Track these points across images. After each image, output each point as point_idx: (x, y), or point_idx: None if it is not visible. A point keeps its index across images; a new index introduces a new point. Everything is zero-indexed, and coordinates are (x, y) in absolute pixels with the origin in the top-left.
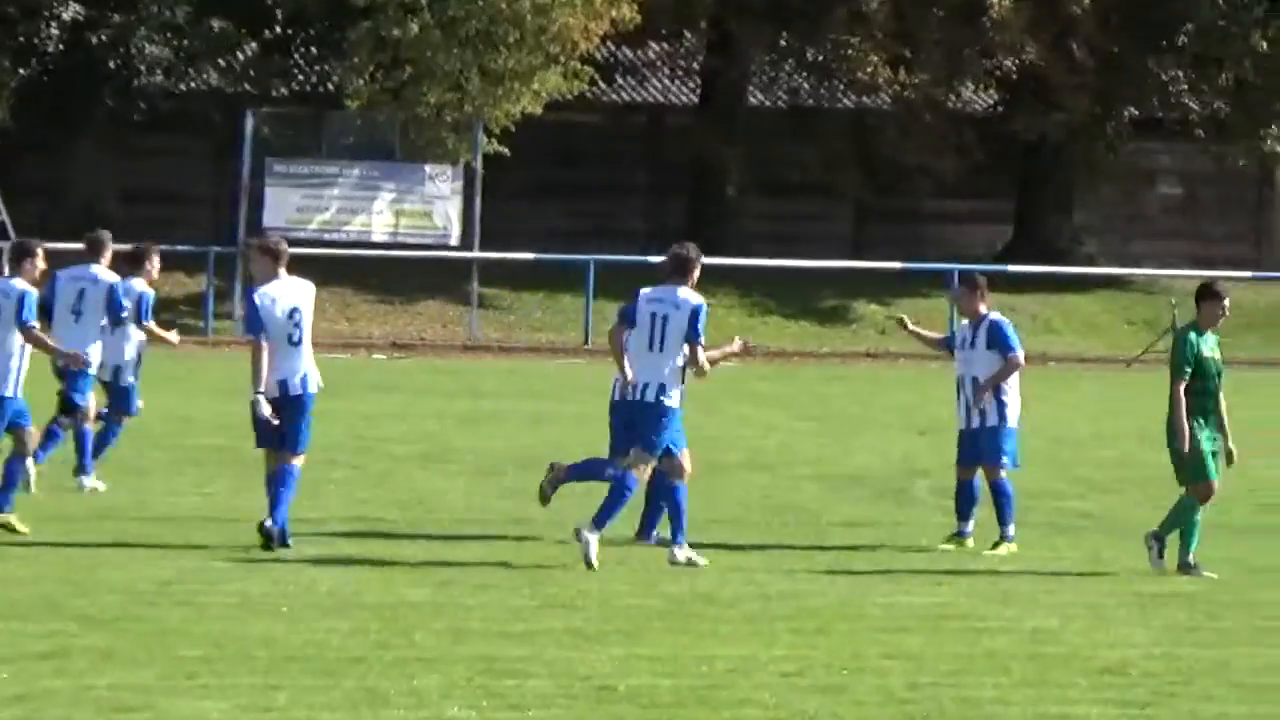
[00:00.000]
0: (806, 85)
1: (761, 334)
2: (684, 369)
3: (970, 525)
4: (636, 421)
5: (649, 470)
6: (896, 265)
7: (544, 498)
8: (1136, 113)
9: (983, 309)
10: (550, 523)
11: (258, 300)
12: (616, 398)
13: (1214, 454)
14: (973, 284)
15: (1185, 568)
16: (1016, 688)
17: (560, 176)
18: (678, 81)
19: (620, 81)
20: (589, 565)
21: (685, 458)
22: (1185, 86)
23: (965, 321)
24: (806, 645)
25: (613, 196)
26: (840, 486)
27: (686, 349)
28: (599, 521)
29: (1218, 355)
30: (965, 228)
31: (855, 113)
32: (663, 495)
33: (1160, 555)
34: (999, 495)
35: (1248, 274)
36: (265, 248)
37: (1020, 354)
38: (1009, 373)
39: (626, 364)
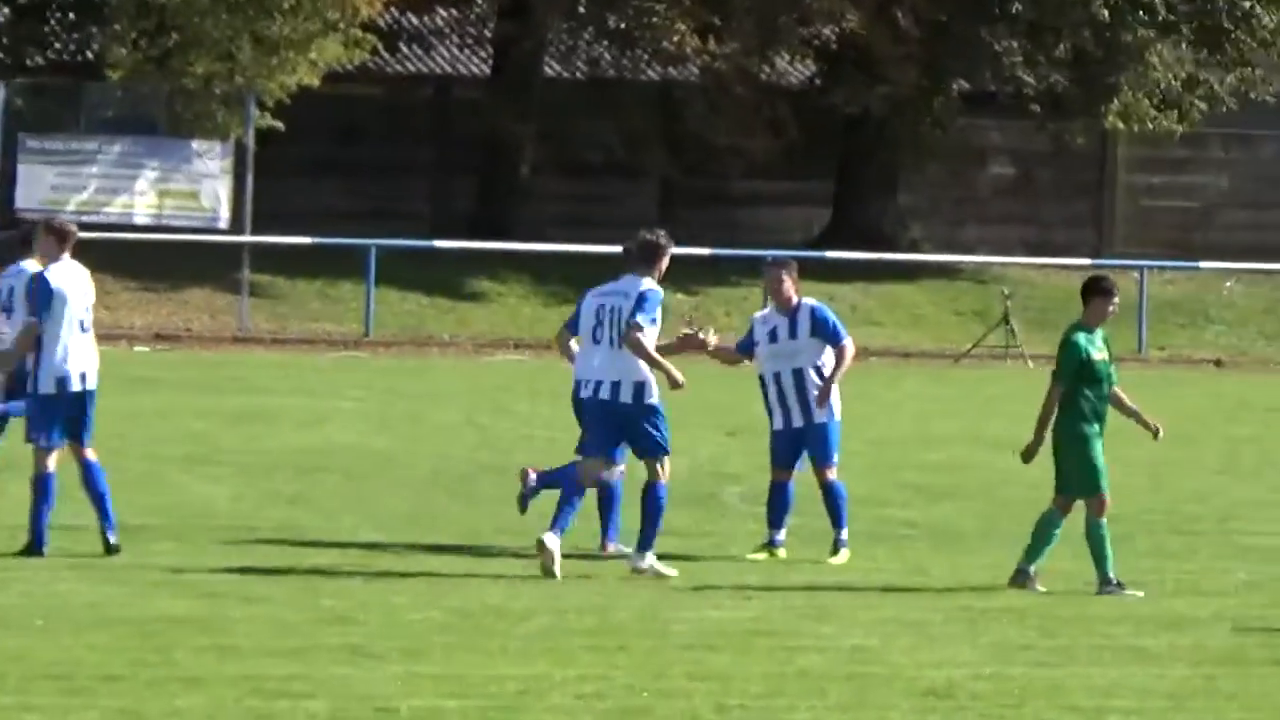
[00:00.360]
0: (607, 55)
1: (557, 326)
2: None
3: (783, 533)
4: (625, 429)
5: (667, 469)
6: (705, 251)
7: (521, 507)
8: (967, 86)
9: (795, 296)
10: (324, 529)
11: (54, 283)
12: (580, 395)
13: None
14: (788, 268)
15: (1021, 576)
16: (832, 711)
17: (339, 154)
18: (467, 51)
19: (405, 51)
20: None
21: (619, 468)
22: (1020, 58)
23: (771, 309)
24: (605, 664)
25: (396, 176)
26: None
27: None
28: (643, 545)
29: (1107, 356)
30: (780, 210)
31: (660, 85)
32: (574, 491)
33: (1121, 586)
34: (834, 497)
35: (1087, 261)
36: (53, 228)
37: (850, 340)
38: (847, 362)
39: (577, 362)
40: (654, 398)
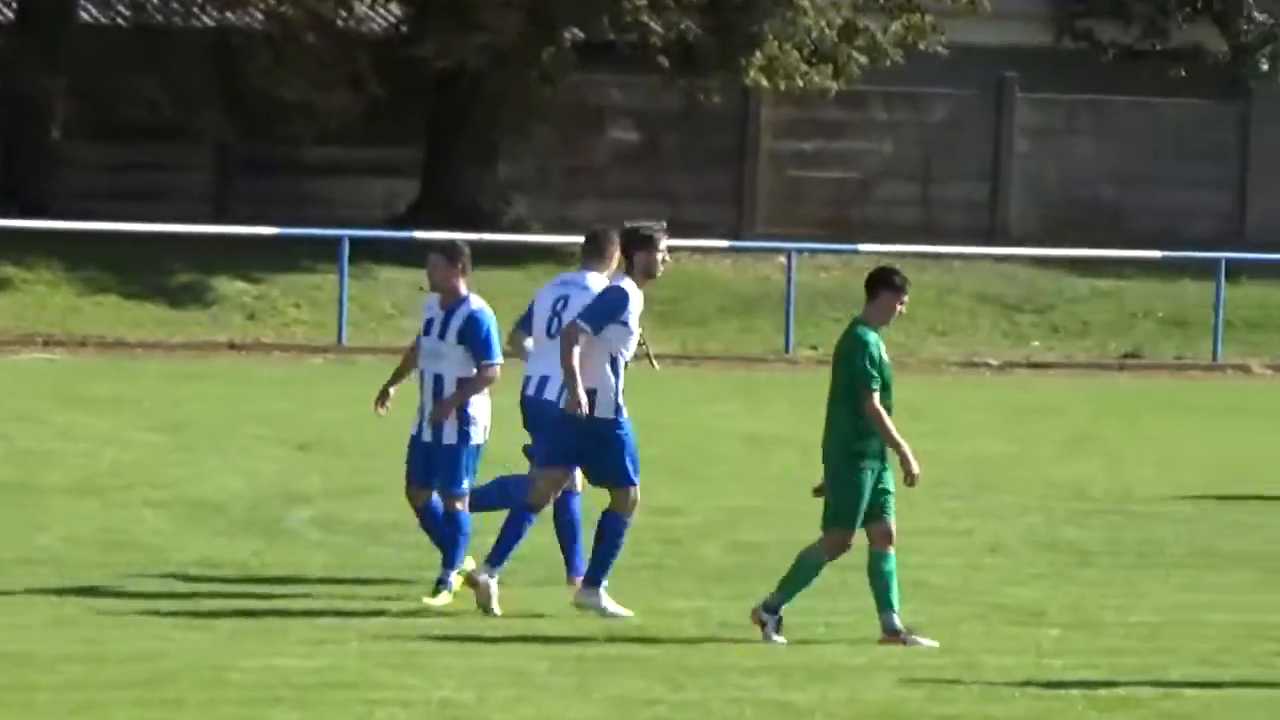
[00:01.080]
0: None
1: (96, 319)
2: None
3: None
4: (588, 445)
5: (629, 500)
6: (270, 230)
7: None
8: (581, 35)
9: (463, 288)
10: None
11: None
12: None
13: (887, 492)
14: (454, 253)
15: (893, 633)
16: None
17: None
18: None
19: None
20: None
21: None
22: (644, 2)
23: (434, 298)
24: None
25: None
26: (195, 515)
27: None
28: (594, 576)
29: (888, 359)
30: (359, 182)
31: (217, 33)
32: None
33: (777, 630)
34: (453, 528)
35: (724, 243)
36: None
37: (499, 364)
38: (482, 386)
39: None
40: (610, 411)
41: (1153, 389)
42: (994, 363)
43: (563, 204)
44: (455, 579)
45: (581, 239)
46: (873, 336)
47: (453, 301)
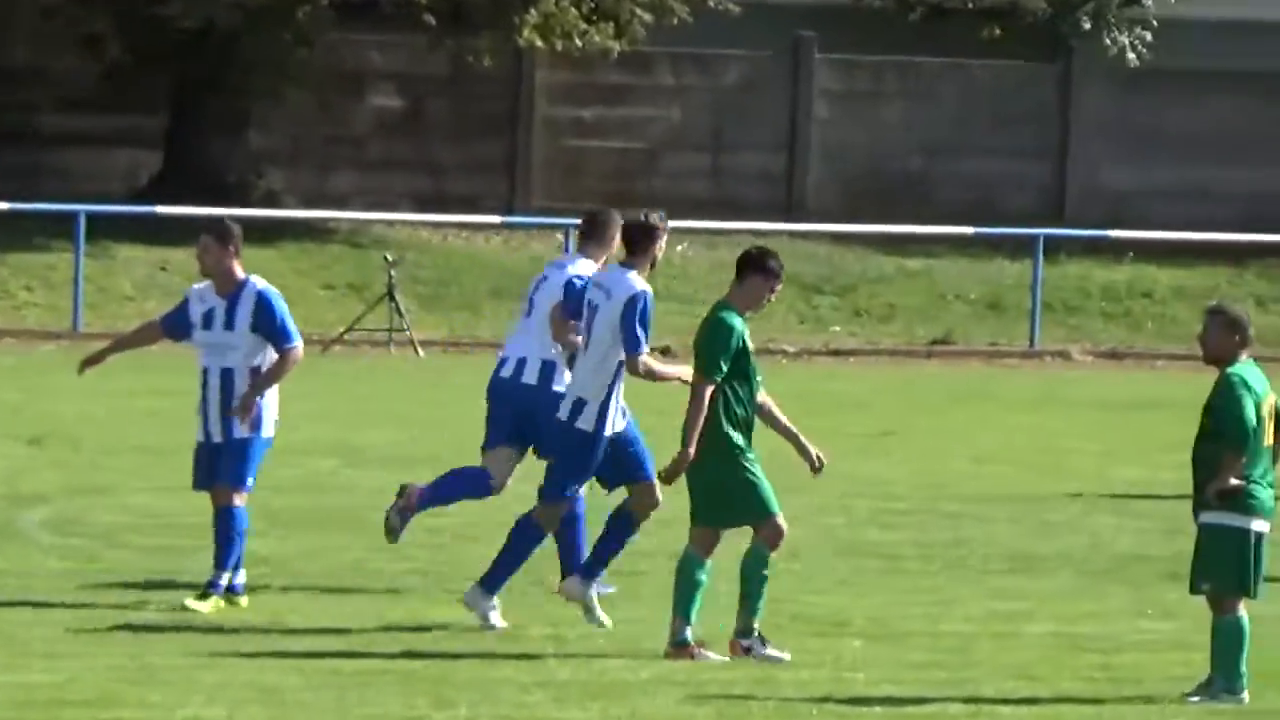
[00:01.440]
0: None
1: None
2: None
3: (241, 575)
4: (553, 447)
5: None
6: (1, 206)
7: (391, 532)
8: None
9: (239, 271)
10: None
11: None
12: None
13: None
14: (225, 234)
15: (680, 646)
16: None
17: None
18: None
19: None
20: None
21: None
22: None
23: (206, 284)
24: None
25: None
26: None
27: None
28: (490, 583)
29: (752, 347)
30: (97, 153)
31: None
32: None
33: (764, 643)
34: (228, 524)
35: (495, 219)
36: None
37: (300, 345)
38: (288, 371)
39: None
40: (588, 420)
41: (964, 378)
42: (790, 349)
43: (319, 176)
44: (225, 581)
45: (338, 214)
46: (738, 323)
47: (232, 287)
